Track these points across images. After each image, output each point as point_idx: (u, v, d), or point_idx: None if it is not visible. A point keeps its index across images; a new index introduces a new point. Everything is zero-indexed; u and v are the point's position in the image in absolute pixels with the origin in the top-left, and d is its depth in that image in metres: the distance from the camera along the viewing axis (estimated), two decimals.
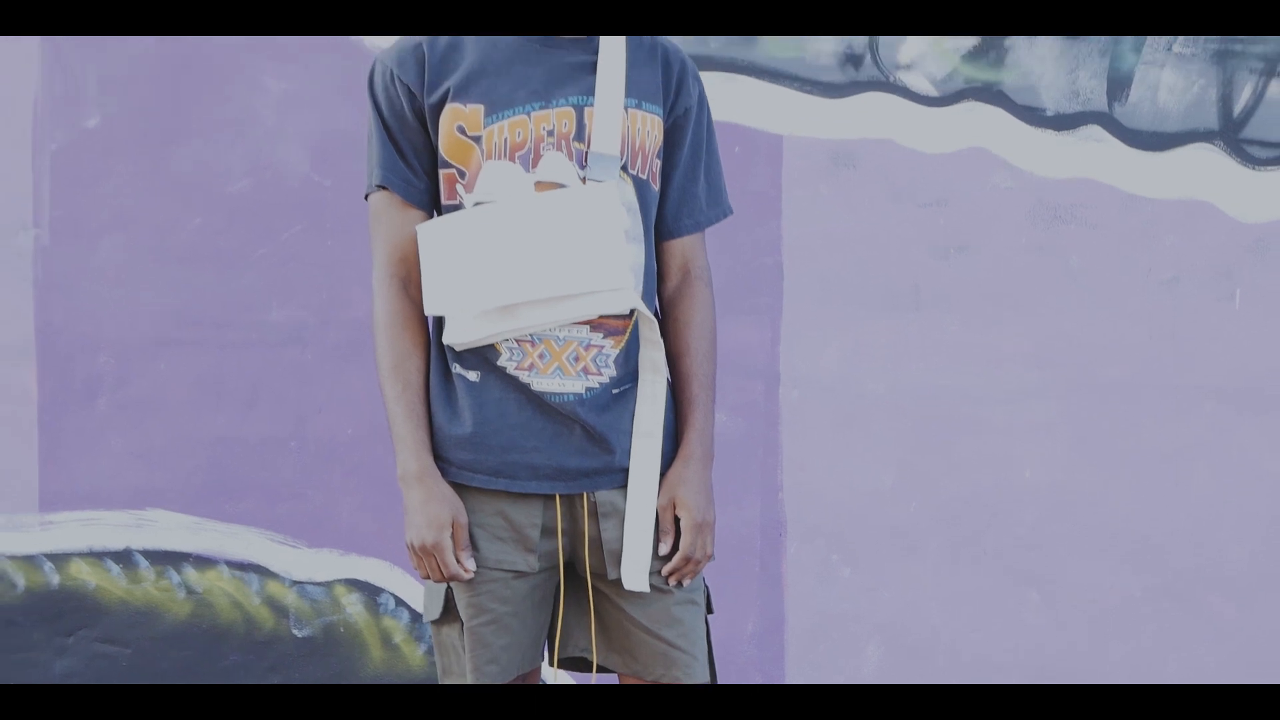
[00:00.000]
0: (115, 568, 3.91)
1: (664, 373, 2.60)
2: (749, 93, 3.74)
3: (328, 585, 3.90)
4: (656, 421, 2.58)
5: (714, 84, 3.72)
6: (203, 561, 3.91)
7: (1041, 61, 3.70)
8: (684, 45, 3.70)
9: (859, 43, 3.73)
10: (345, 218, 3.78)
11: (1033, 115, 3.71)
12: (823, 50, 3.74)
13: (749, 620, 3.83)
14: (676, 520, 2.58)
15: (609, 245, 2.50)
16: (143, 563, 3.91)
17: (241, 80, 3.81)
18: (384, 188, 2.60)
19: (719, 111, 3.71)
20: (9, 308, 3.87)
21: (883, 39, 3.71)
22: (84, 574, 3.91)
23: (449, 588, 2.59)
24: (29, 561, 3.92)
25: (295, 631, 3.90)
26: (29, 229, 3.87)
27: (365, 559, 3.88)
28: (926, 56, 3.72)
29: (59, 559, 3.91)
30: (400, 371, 2.57)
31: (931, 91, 3.73)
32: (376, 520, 3.82)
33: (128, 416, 3.88)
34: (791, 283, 3.78)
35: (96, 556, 3.91)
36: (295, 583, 3.90)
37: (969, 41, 3.70)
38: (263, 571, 3.90)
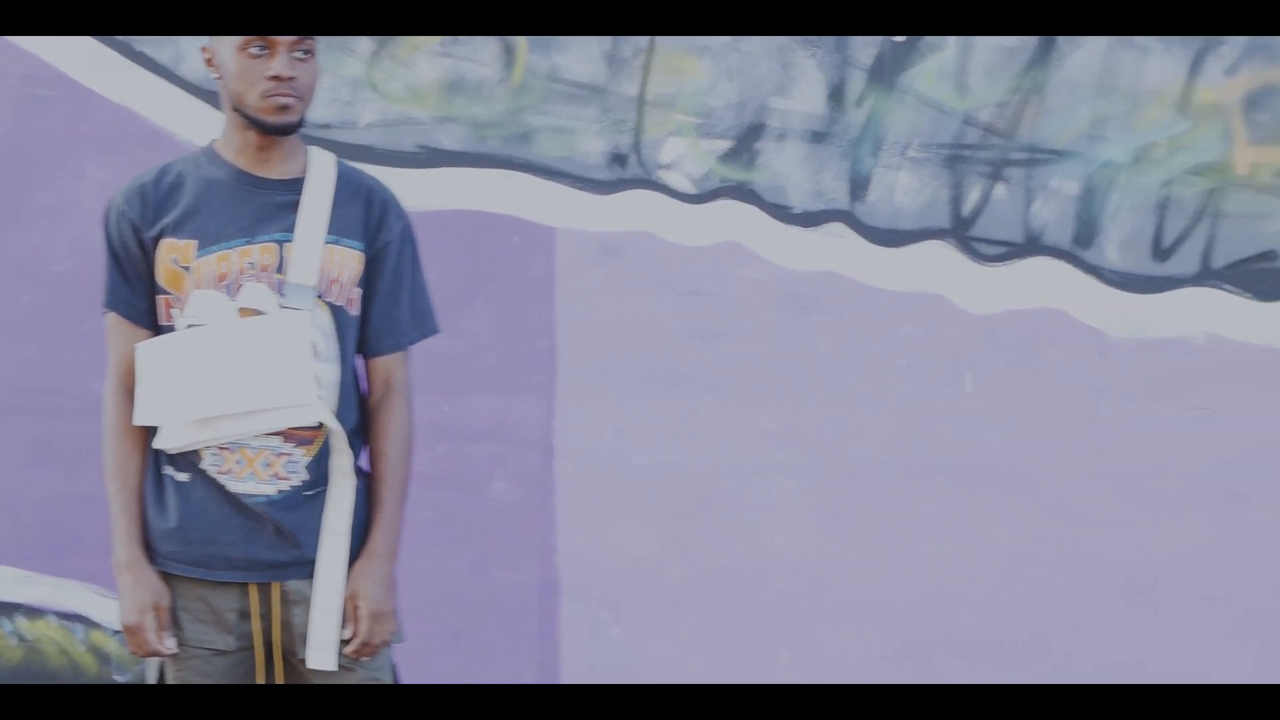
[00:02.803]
0: None
1: (352, 478, 2.92)
2: (526, 188, 4.05)
3: None
4: (342, 520, 2.91)
5: (494, 180, 4.07)
6: (33, 612, 4.24)
7: (789, 163, 4.00)
8: (466, 142, 4.04)
9: (625, 143, 4.04)
10: None
11: (781, 212, 4.01)
12: (591, 150, 4.05)
13: (526, 672, 4.15)
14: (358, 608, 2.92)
15: (296, 366, 2.83)
16: None
17: (66, 170, 4.13)
18: (112, 310, 2.94)
19: (499, 205, 4.07)
20: None
21: (645, 140, 4.03)
22: None
23: (162, 662, 2.93)
24: None
25: (117, 677, 4.23)
26: None
27: None
28: (686, 157, 4.03)
29: None
30: (120, 471, 2.92)
31: (690, 189, 4.04)
32: None
33: None
34: (565, 363, 4.10)
35: None
36: (116, 632, 4.22)
37: (724, 144, 4.01)
38: (87, 622, 4.23)
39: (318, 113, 4.09)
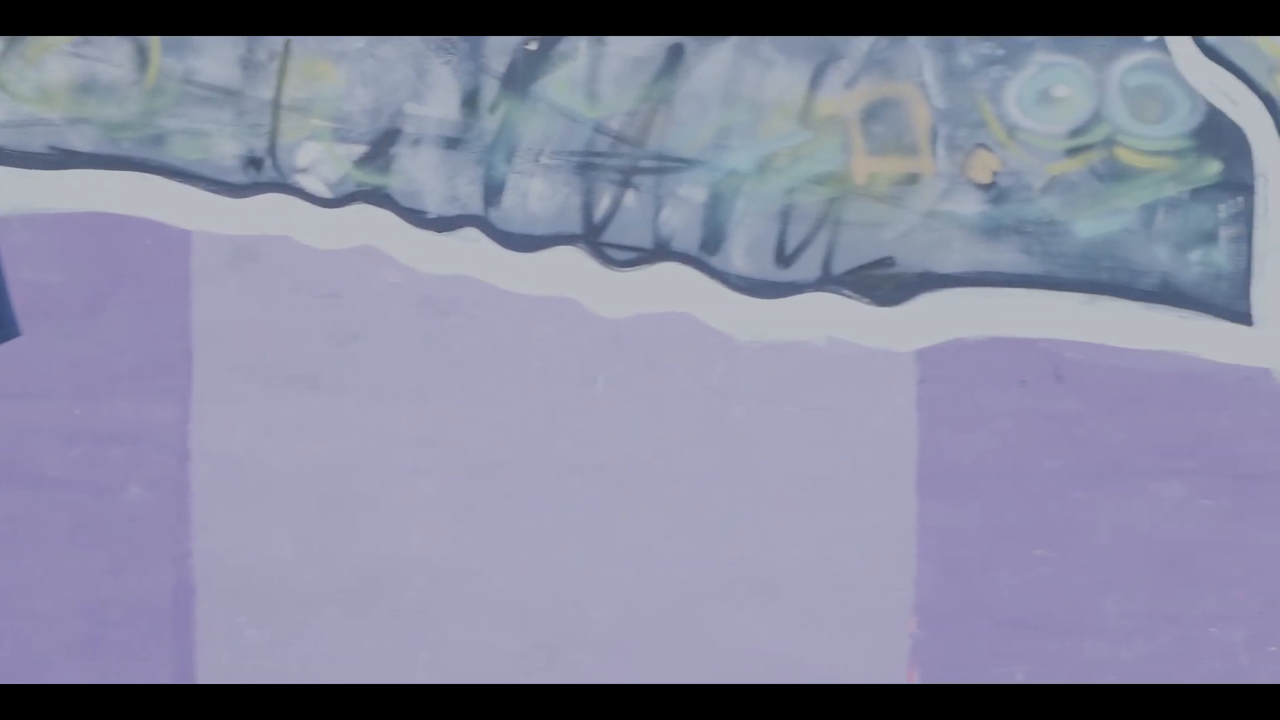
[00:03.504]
0: None
1: None
2: (159, 191, 4.03)
3: None
4: None
5: (127, 182, 4.04)
6: None
7: (424, 169, 4.05)
8: (98, 144, 4.01)
9: (260, 146, 4.05)
10: None
11: (416, 217, 4.06)
12: (226, 153, 4.05)
13: (162, 677, 4.12)
14: None
15: None
16: None
17: None
18: None
19: (132, 207, 4.05)
20: None
21: (280, 144, 4.04)
22: None
23: None
24: None
25: None
26: None
27: None
28: (321, 161, 4.05)
29: None
30: None
31: (325, 193, 4.06)
32: None
33: None
34: (201, 366, 4.09)
35: None
36: None
37: (360, 148, 4.04)
38: None
39: None
